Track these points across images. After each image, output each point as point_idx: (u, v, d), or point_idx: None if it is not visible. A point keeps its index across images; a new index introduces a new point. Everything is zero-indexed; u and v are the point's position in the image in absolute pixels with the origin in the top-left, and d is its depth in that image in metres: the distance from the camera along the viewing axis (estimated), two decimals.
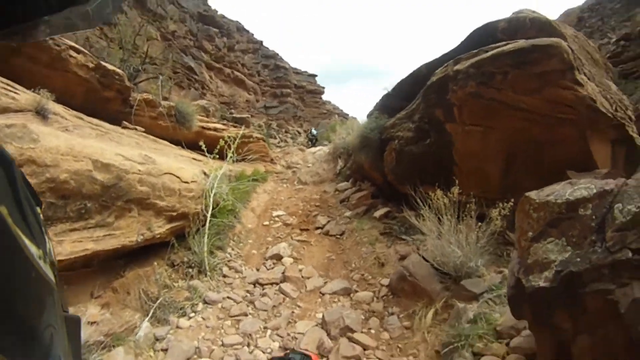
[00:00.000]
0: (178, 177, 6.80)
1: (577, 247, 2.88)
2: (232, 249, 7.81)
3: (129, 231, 5.66)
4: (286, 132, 28.53)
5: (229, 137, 8.69)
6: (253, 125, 18.04)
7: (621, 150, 6.30)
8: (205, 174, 7.97)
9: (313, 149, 16.20)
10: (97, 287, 5.63)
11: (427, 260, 5.79)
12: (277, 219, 9.24)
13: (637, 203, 2.67)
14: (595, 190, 2.96)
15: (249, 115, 18.80)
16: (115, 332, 5.19)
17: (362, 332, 5.41)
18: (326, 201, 10.15)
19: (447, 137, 6.79)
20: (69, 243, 4.68)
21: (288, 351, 2.35)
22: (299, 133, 28.86)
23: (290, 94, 35.71)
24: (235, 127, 12.49)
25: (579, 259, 2.79)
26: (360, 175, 10.44)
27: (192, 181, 7.19)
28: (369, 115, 10.31)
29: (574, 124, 5.49)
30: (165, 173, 6.47)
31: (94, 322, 5.12)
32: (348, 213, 8.99)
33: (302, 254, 7.69)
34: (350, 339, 5.24)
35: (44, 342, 0.46)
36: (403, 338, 5.30)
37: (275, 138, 24.37)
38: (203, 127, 10.84)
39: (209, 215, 7.40)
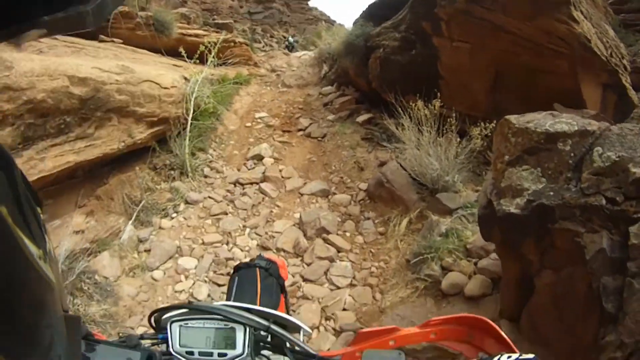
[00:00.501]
0: (157, 83, 6.63)
1: (552, 181, 2.85)
2: (214, 150, 7.71)
3: (109, 140, 5.66)
4: (271, 37, 27.43)
5: (209, 42, 8.28)
6: (237, 31, 17.32)
7: (612, 97, 6.16)
8: (185, 79, 7.72)
9: (298, 53, 15.70)
10: (81, 196, 5.65)
11: (405, 170, 5.73)
12: (259, 120, 9.06)
13: (617, 152, 2.59)
14: (576, 128, 2.86)
15: (232, 21, 17.92)
16: (100, 238, 5.31)
17: (337, 234, 5.50)
18: (309, 104, 9.92)
19: (433, 50, 6.58)
20: (50, 159, 4.72)
21: (254, 257, 2.00)
22: (285, 38, 27.80)
23: (275, 0, 34.15)
24: (217, 32, 11.93)
25: (552, 193, 2.76)
26: (345, 80, 10.17)
27: (172, 86, 6.99)
28: (354, 23, 9.89)
29: (566, 58, 5.28)
30: (145, 81, 6.32)
31: (80, 231, 5.22)
32: (331, 117, 8.83)
33: (283, 155, 7.61)
34: (326, 240, 5.32)
35: (44, 342, 0.45)
36: (376, 243, 5.37)
37: (260, 42, 23.54)
38: (183, 34, 10.31)
39: (189, 118, 7.24)
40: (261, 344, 1.04)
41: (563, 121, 2.95)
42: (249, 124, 8.88)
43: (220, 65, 9.76)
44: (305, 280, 4.88)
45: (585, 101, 5.38)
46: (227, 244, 5.49)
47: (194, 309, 1.04)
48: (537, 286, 3.04)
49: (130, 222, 5.66)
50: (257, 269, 1.79)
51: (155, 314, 1.10)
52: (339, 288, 4.76)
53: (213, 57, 8.27)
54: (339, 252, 5.20)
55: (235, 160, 7.57)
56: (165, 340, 1.03)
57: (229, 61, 10.39)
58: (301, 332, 1.19)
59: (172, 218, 5.95)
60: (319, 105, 9.76)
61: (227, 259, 5.16)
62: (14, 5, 0.38)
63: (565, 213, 2.64)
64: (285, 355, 1.02)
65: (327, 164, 7.18)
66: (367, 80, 8.66)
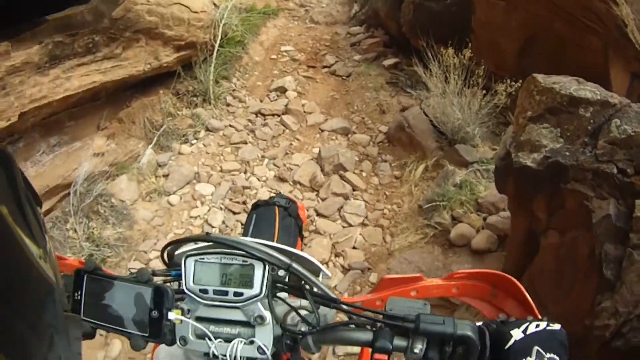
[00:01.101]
0: (187, 7, 6.42)
1: (569, 142, 2.90)
2: (238, 80, 7.55)
3: (136, 61, 5.54)
4: None
5: None
6: None
7: (639, 87, 5.78)
8: (215, 4, 7.45)
9: None
10: (103, 118, 5.58)
11: (427, 116, 5.58)
12: (285, 53, 8.82)
13: (634, 127, 2.63)
14: (599, 97, 2.90)
15: None
16: (119, 161, 5.30)
17: (354, 172, 5.42)
18: (336, 42, 9.62)
19: (468, 2, 6.28)
20: (77, 78, 4.63)
21: (274, 195, 2.18)
22: None
23: None
24: None
25: (568, 153, 2.80)
26: (375, 22, 9.81)
27: (201, 11, 6.78)
28: None
29: (599, 36, 5.00)
30: (175, 3, 6.13)
31: (100, 154, 5.19)
32: (357, 57, 8.56)
33: (306, 90, 7.45)
34: (342, 177, 5.27)
35: (44, 342, 0.44)
36: (391, 186, 5.31)
37: None
38: None
39: (217, 45, 7.05)
40: (278, 285, 0.95)
41: (587, 89, 2.99)
42: (274, 56, 8.66)
43: None
44: (319, 214, 4.85)
45: (612, 84, 5.06)
46: (245, 172, 5.45)
47: (212, 241, 0.95)
48: (542, 246, 3.07)
49: (150, 146, 5.62)
50: (277, 207, 1.72)
51: (169, 248, 1.04)
52: (351, 226, 4.74)
53: None
54: (354, 190, 5.15)
55: (258, 90, 7.43)
56: (178, 277, 0.96)
57: None
58: (321, 275, 1.08)
59: (192, 144, 5.89)
60: (346, 44, 9.46)
61: (244, 188, 5.13)
62: (15, 5, 0.40)
63: (578, 175, 2.70)
64: (304, 297, 0.93)
65: (350, 103, 7.01)
66: (397, 24, 8.33)
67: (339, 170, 5.31)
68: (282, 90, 7.23)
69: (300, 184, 5.10)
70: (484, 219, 4.31)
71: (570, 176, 2.73)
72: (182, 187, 5.23)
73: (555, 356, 0.71)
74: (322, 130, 6.28)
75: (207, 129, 6.17)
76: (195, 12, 6.59)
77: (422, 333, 0.76)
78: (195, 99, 6.65)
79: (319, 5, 12.62)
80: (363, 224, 4.78)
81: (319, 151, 5.59)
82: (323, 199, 4.97)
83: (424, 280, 1.06)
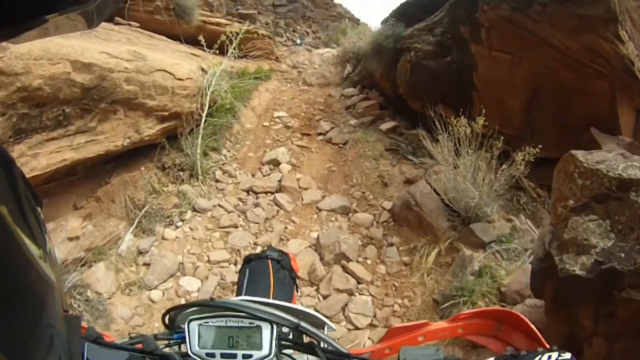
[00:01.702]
0: (172, 73, 5.85)
1: (622, 238, 2.38)
2: (228, 151, 6.95)
3: (114, 135, 4.92)
4: (294, 31, 26.44)
5: (231, 32, 7.50)
6: (260, 23, 16.48)
7: None
8: (203, 70, 6.96)
9: (321, 51, 14.86)
10: (79, 196, 4.93)
11: (436, 192, 4.94)
12: (278, 120, 8.29)
13: None
14: None
15: (256, 12, 17.02)
16: (97, 245, 4.62)
17: (357, 261, 4.73)
18: (331, 106, 9.13)
19: (470, 58, 5.81)
20: (44, 155, 4.06)
21: (265, 248, 2.03)
22: (307, 33, 26.83)
23: None
24: (240, 22, 11.14)
25: (622, 255, 2.30)
26: (369, 83, 9.36)
27: (187, 78, 6.21)
28: (384, 22, 8.97)
29: (606, 79, 4.64)
30: (157, 70, 5.55)
31: (75, 237, 4.54)
32: (353, 121, 8.03)
33: (301, 161, 6.83)
34: (345, 269, 4.60)
35: (44, 342, 0.43)
36: (400, 275, 4.63)
37: (282, 37, 22.70)
38: (205, 22, 9.48)
39: (204, 114, 6.47)
40: (283, 342, 0.90)
41: (636, 165, 2.47)
42: (266, 124, 8.12)
43: (241, 57, 9.03)
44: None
45: (620, 126, 4.77)
46: (235, 263, 4.72)
47: (218, 306, 0.90)
48: (586, 354, 2.58)
49: (130, 230, 4.94)
50: (269, 261, 1.67)
51: (171, 312, 0.97)
52: (357, 329, 3.99)
53: (234, 48, 7.51)
54: (359, 283, 4.44)
55: (250, 163, 6.81)
56: (181, 341, 0.92)
57: (251, 54, 9.59)
58: (325, 329, 1.05)
59: (177, 227, 5.21)
60: (341, 107, 8.96)
61: (234, 284, 4.38)
62: (15, 4, 0.36)
63: (635, 280, 2.24)
64: (314, 354, 0.89)
65: (348, 175, 6.38)
66: (393, 85, 7.88)
67: (340, 259, 4.61)
68: (275, 163, 6.60)
69: (298, 277, 4.37)
70: None
71: (626, 283, 2.23)
72: (164, 280, 4.48)
73: None
74: (320, 210, 5.60)
75: (194, 209, 5.49)
76: (180, 80, 6.03)
77: None
78: (181, 173, 6.00)
79: (311, 66, 12.23)
80: (371, 325, 4.06)
81: (318, 237, 4.92)
82: (325, 296, 4.25)
83: (430, 324, 1.05)
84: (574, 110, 4.89)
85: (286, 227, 5.29)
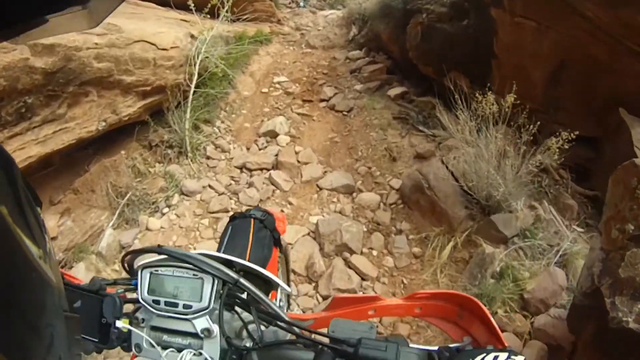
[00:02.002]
0: (153, 44, 5.07)
1: None
2: (222, 122, 6.17)
3: (86, 119, 4.22)
4: None
5: None
6: None
7: None
8: (192, 37, 6.10)
9: (325, 12, 13.79)
10: (56, 190, 4.33)
11: (453, 176, 4.12)
12: (278, 85, 7.43)
13: None
14: None
15: None
16: (77, 242, 4.04)
17: (362, 252, 3.98)
18: (335, 69, 8.23)
19: (490, 23, 4.92)
20: None
21: (251, 207, 1.91)
22: None
23: None
24: None
25: None
26: (376, 45, 8.41)
27: (172, 47, 5.43)
28: None
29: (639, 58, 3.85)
30: (136, 41, 4.78)
31: (52, 238, 3.88)
32: (358, 86, 7.15)
33: (301, 132, 6.02)
34: (347, 262, 3.87)
35: (44, 342, 0.42)
36: (410, 271, 3.89)
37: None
38: None
39: (192, 85, 5.66)
40: (236, 300, 0.89)
41: None
42: (265, 90, 7.27)
43: (236, 21, 8.10)
44: None
45: None
46: None
47: (164, 253, 0.91)
48: None
49: (111, 223, 4.24)
50: (252, 220, 1.62)
51: (127, 257, 1.00)
52: None
53: (226, 11, 6.58)
54: (363, 280, 3.70)
55: (245, 135, 6.02)
56: (135, 287, 0.92)
57: (250, 17, 8.61)
58: (279, 290, 1.10)
59: (163, 214, 4.52)
60: (346, 71, 8.05)
61: None
62: (15, 4, 0.36)
63: None
64: (248, 311, 0.87)
65: (353, 147, 5.56)
66: (402, 49, 6.97)
67: (342, 251, 3.87)
68: (273, 134, 5.80)
69: (294, 271, 3.69)
70: (532, 322, 3.14)
71: None
72: None
73: None
74: (321, 189, 4.82)
75: (182, 193, 4.77)
76: (164, 50, 5.21)
77: (362, 358, 0.71)
78: (169, 151, 5.27)
79: (315, 28, 11.22)
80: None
81: (317, 224, 4.14)
82: (324, 297, 3.51)
83: (383, 299, 0.99)
84: (602, 89, 4.14)
85: (282, 211, 4.53)
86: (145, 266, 0.90)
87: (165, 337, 0.87)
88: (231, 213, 4.37)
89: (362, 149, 5.45)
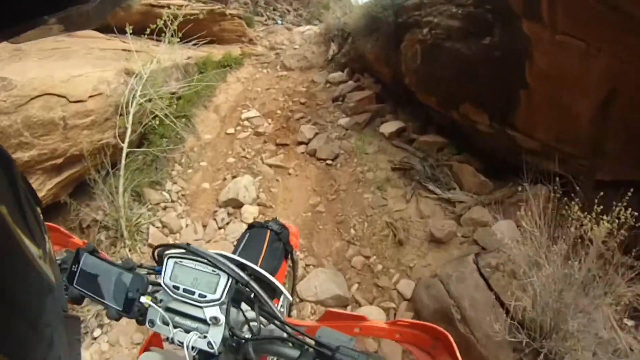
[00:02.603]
0: (63, 95, 3.43)
1: None
2: (175, 182, 4.51)
3: None
4: (274, 9, 23.24)
5: (169, 16, 4.84)
6: (238, 3, 13.62)
7: None
8: (129, 73, 4.38)
9: (302, 29, 12.05)
10: None
11: (496, 296, 2.46)
12: (247, 123, 5.75)
13: None
14: None
15: None
16: None
17: None
18: (314, 97, 6.56)
19: (521, 42, 3.32)
20: None
21: (270, 219, 1.71)
22: (288, 11, 23.67)
23: None
24: (204, 3, 8.35)
25: None
26: (361, 66, 6.74)
27: (92, 95, 3.75)
28: None
29: None
30: (36, 97, 3.20)
31: None
32: (344, 120, 5.51)
33: (274, 196, 4.35)
34: None
35: (43, 342, 0.39)
36: None
37: (262, 16, 19.70)
38: (152, 5, 6.63)
39: (125, 143, 3.93)
40: (243, 297, 0.94)
41: None
42: (231, 130, 5.58)
43: (207, 43, 6.69)
44: None
45: None
46: None
47: (189, 251, 0.95)
48: None
49: None
50: (269, 231, 1.61)
51: (158, 249, 1.02)
52: None
53: (172, 34, 4.87)
54: None
55: (202, 202, 4.33)
56: (159, 272, 0.97)
57: (200, 41, 6.83)
58: (282, 297, 1.11)
59: (91, 345, 2.85)
60: (327, 99, 6.39)
61: None
62: (14, 4, 0.34)
63: None
64: (252, 308, 0.93)
65: (343, 221, 3.85)
66: (394, 71, 5.36)
67: None
68: (236, 204, 4.08)
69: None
70: None
71: None
72: None
73: None
74: (301, 300, 3.08)
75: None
76: (79, 102, 3.54)
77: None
78: (102, 236, 3.65)
79: (291, 47, 9.48)
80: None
81: None
82: None
83: (368, 320, 1.03)
84: None
85: None
86: (171, 256, 0.94)
87: (177, 318, 0.90)
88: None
89: (356, 224, 3.75)
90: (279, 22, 15.76)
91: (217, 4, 8.75)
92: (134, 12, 6.25)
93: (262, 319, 0.91)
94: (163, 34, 4.86)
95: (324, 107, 6.14)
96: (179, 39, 4.97)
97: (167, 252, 0.98)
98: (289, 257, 1.67)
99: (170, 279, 0.92)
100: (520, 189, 2.89)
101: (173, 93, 5.08)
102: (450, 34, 4.02)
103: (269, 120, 5.84)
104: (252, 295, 0.94)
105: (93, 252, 0.95)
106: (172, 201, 4.22)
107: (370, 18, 5.40)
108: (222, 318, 0.88)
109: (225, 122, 5.83)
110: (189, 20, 5.55)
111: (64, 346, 0.45)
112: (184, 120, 5.16)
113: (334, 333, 0.82)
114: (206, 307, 0.89)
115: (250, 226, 1.67)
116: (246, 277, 0.92)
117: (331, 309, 1.05)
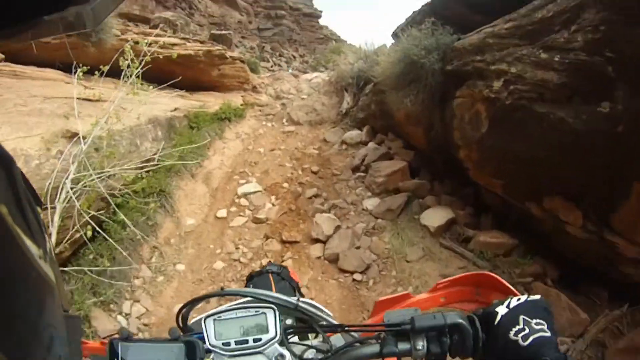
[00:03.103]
0: None
1: None
2: (137, 300, 2.95)
3: None
4: (280, 55, 22.02)
5: (130, 56, 3.34)
6: (245, 48, 12.39)
7: None
8: (69, 138, 2.85)
9: (309, 76, 10.68)
10: None
11: None
12: (244, 201, 4.22)
13: None
14: None
15: (230, 32, 12.45)
16: None
17: None
18: (329, 162, 5.04)
19: None
20: None
21: (265, 265, 1.60)
22: (294, 57, 22.52)
23: (285, 16, 28.13)
24: (202, 43, 6.91)
25: None
26: (385, 125, 5.25)
27: None
28: (400, 31, 4.71)
29: None
30: None
31: None
32: (370, 203, 3.98)
33: None
34: None
35: (44, 342, 0.35)
36: None
37: (268, 61, 18.48)
38: (124, 40, 4.98)
39: (46, 263, 2.24)
40: (288, 330, 0.83)
41: None
42: (223, 212, 4.03)
43: (206, 90, 5.12)
44: None
45: None
46: None
47: (226, 294, 0.95)
48: None
49: None
50: (270, 274, 1.49)
51: (184, 310, 0.89)
52: None
53: (137, 73, 3.33)
54: None
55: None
56: (201, 339, 0.82)
57: (221, 83, 5.36)
58: (324, 314, 0.93)
59: None
60: (344, 166, 4.87)
61: None
62: (14, 4, 0.32)
63: None
64: (314, 331, 0.84)
65: None
66: (434, 135, 3.89)
67: None
68: None
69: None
70: None
71: None
72: None
73: (541, 320, 0.62)
74: None
75: None
76: None
77: (419, 331, 0.69)
78: None
79: (298, 96, 7.99)
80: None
81: None
82: None
83: (413, 297, 0.92)
84: None
85: None
86: (207, 316, 0.83)
87: None
88: None
89: None
90: (289, 69, 14.45)
91: (217, 44, 7.34)
92: (108, 49, 4.72)
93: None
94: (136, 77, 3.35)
95: (342, 180, 4.59)
96: (135, 81, 3.38)
97: (198, 318, 0.92)
98: (298, 291, 1.45)
99: (216, 338, 0.81)
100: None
101: (146, 161, 3.54)
102: (544, 94, 2.48)
103: (273, 198, 4.27)
104: (296, 324, 0.87)
105: (128, 338, 0.74)
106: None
107: (408, 64, 3.83)
108: (287, 353, 0.79)
109: (216, 198, 4.25)
110: (177, 62, 4.08)
111: (64, 346, 0.39)
112: (159, 197, 3.60)
113: (398, 312, 0.74)
114: (266, 349, 0.79)
115: (249, 277, 1.50)
116: (293, 301, 0.83)
117: (378, 299, 0.91)
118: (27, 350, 0.32)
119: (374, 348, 0.73)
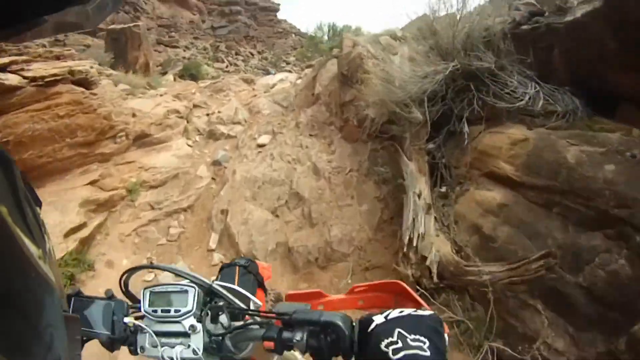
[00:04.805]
0: None
1: None
2: None
3: None
4: (237, 54, 16.25)
5: None
6: (196, 49, 7.51)
7: None
8: None
9: (270, 79, 5.38)
10: None
11: None
12: None
13: None
14: None
15: (138, 25, 6.86)
16: None
17: None
18: None
19: None
20: None
21: (235, 258, 1.23)
22: (252, 55, 16.86)
23: (241, 12, 22.04)
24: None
25: None
26: None
27: None
28: None
29: None
30: None
31: None
32: None
33: None
34: None
35: (44, 342, 0.32)
36: None
37: (222, 62, 12.80)
38: None
39: None
40: (220, 313, 0.79)
41: None
42: None
43: None
44: None
45: None
46: None
47: (152, 268, 1.19)
48: None
49: None
50: (237, 267, 1.24)
51: (124, 275, 0.88)
52: None
53: None
54: None
55: None
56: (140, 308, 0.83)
57: None
58: (251, 303, 0.91)
59: None
60: None
61: None
62: (14, 4, 0.28)
63: None
64: (222, 311, 0.78)
65: None
66: None
67: None
68: None
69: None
70: None
71: None
72: None
73: (422, 338, 0.53)
74: None
75: None
76: None
77: (295, 322, 0.68)
78: None
79: (251, 136, 2.81)
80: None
81: None
82: None
83: (328, 295, 0.88)
84: None
85: None
86: (146, 287, 0.83)
87: (163, 339, 0.79)
88: None
89: None
90: (271, 71, 8.84)
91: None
92: None
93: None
94: None
95: None
96: None
97: (146, 287, 0.86)
98: (262, 286, 1.24)
99: (149, 305, 0.81)
100: None
101: None
102: None
103: None
104: (221, 303, 0.80)
105: (78, 294, 0.81)
106: None
107: None
108: (199, 325, 0.77)
109: None
110: None
111: (64, 346, 0.35)
112: None
113: (290, 305, 0.72)
114: (183, 319, 0.77)
115: (221, 268, 1.25)
116: (207, 281, 0.80)
117: (290, 292, 0.88)
118: (27, 351, 0.28)
119: (259, 332, 0.73)
